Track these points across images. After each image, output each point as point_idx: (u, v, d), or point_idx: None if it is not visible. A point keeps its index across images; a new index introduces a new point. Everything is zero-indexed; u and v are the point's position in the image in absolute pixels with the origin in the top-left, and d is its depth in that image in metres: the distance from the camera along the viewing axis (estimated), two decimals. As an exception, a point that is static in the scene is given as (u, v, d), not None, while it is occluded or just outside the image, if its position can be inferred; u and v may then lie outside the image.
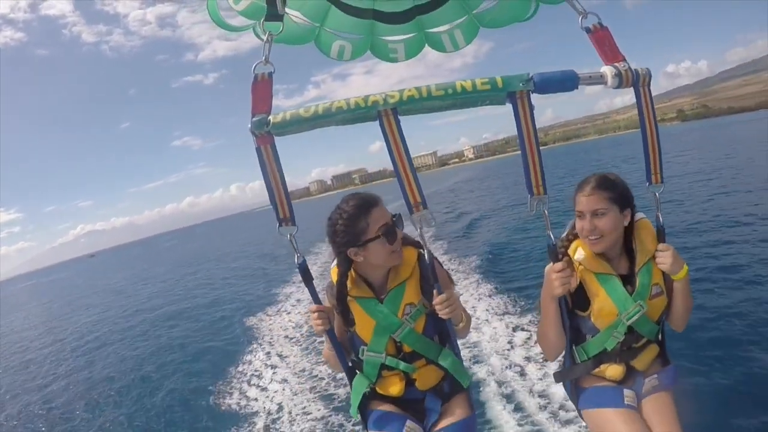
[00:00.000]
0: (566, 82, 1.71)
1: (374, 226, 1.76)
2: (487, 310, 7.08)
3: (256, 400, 6.01)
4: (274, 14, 1.82)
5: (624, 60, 1.79)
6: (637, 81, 1.78)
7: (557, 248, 1.90)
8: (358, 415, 1.96)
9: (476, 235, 14.73)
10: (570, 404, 3.05)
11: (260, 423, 5.34)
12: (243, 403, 6.04)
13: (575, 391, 2.07)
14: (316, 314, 1.83)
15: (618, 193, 1.88)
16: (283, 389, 6.04)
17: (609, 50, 1.81)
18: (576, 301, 1.95)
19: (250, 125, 1.72)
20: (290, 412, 5.37)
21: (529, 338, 5.72)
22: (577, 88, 1.73)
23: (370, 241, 1.76)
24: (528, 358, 5.24)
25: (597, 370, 1.99)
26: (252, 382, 6.60)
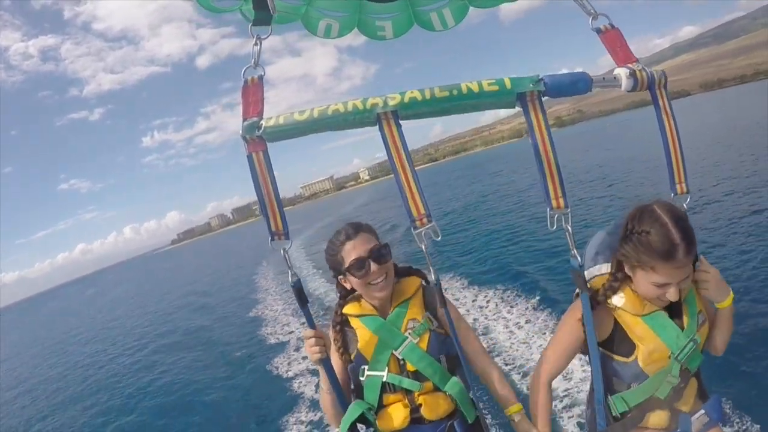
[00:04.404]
0: (579, 84, 1.61)
1: (347, 260, 1.78)
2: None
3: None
4: (263, 18, 1.72)
5: (638, 61, 1.69)
6: (653, 83, 1.67)
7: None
8: None
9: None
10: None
11: None
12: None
13: None
14: (311, 340, 1.69)
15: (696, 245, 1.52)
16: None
17: (621, 51, 1.72)
18: (617, 348, 1.68)
19: (241, 130, 1.60)
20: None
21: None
22: (590, 90, 1.64)
23: (344, 273, 1.81)
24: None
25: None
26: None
